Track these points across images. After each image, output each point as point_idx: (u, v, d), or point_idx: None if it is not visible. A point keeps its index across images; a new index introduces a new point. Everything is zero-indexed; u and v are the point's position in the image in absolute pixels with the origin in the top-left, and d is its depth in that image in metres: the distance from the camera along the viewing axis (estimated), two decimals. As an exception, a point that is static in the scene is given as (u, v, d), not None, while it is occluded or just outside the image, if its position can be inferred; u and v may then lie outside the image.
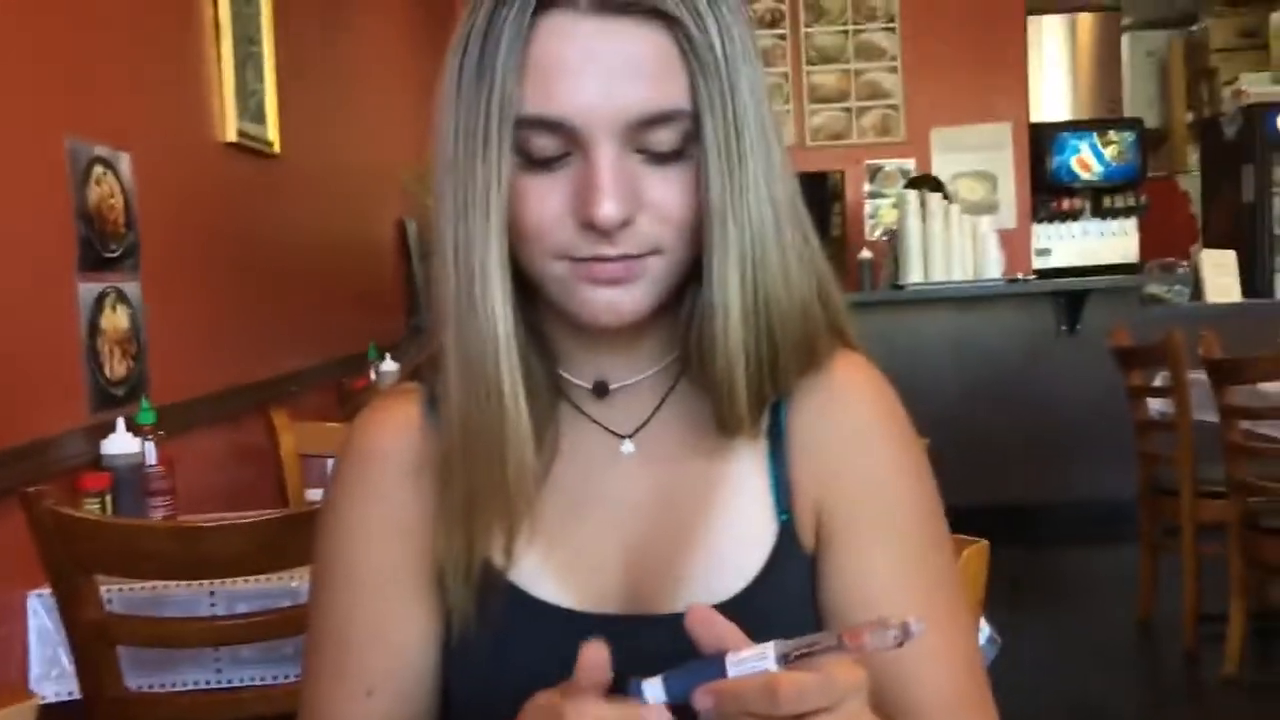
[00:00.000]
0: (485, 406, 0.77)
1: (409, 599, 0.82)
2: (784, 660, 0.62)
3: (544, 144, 0.74)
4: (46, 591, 1.83)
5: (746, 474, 0.83)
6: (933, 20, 6.31)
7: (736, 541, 0.81)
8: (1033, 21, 6.80)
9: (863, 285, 5.46)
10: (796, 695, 0.60)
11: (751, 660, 0.62)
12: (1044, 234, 6.65)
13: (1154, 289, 5.63)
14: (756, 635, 0.65)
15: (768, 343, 0.78)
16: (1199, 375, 3.45)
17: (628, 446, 0.84)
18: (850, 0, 6.36)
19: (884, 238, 5.57)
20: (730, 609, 0.77)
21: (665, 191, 0.75)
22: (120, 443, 2.16)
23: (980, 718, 0.81)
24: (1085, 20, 7.29)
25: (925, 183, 5.62)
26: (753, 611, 0.78)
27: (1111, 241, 6.67)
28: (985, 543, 1.08)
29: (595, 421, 0.84)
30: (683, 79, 0.74)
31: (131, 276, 2.41)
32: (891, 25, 6.36)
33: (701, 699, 0.62)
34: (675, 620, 0.68)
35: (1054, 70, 7.16)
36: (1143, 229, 6.75)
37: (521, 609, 0.80)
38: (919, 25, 6.32)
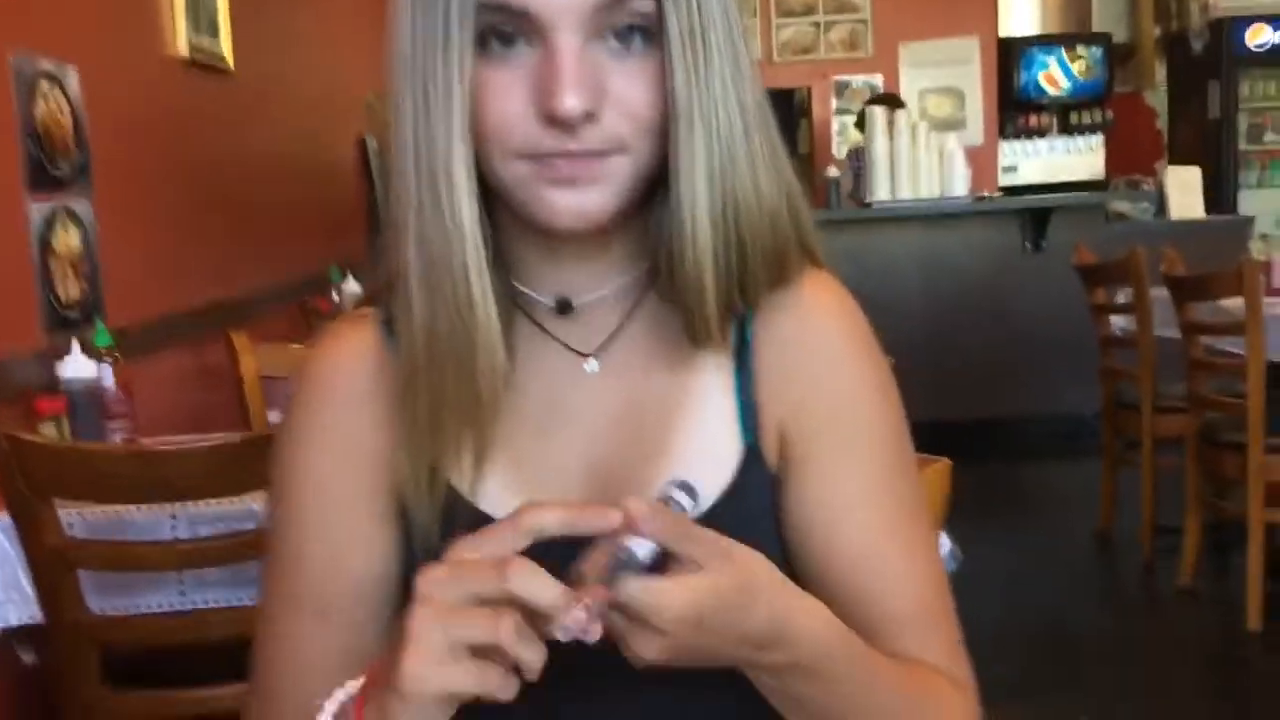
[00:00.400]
0: (453, 314, 0.75)
1: (365, 525, 0.81)
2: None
3: (504, 30, 0.72)
4: (6, 517, 1.82)
5: (712, 393, 0.82)
6: (901, -69, 6.22)
7: (701, 462, 0.80)
8: (1002, -67, 6.72)
9: (830, 203, 5.43)
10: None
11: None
12: (1011, 151, 6.64)
13: (1119, 206, 5.65)
14: None
15: (737, 250, 0.77)
16: (1161, 292, 3.47)
17: (591, 365, 0.82)
18: (818, -89, 6.26)
19: (849, 157, 5.53)
20: None
21: (629, 84, 0.73)
22: (76, 366, 2.13)
23: (944, 633, 0.82)
24: (1055, -68, 7.21)
25: (886, 101, 5.58)
26: (716, 531, 0.78)
27: (1078, 158, 6.67)
28: (947, 461, 1.08)
29: (557, 339, 0.82)
30: None
31: (83, 196, 2.36)
32: (860, -63, 6.27)
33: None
34: None
35: (1023, -17, 7.10)
36: (1109, 145, 6.75)
37: (473, 523, 0.77)
38: (888, -63, 6.24)
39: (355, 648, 0.81)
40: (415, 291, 0.76)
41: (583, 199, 0.74)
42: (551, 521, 0.64)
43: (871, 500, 0.81)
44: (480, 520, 0.78)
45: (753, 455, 0.81)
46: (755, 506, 0.80)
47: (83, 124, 2.36)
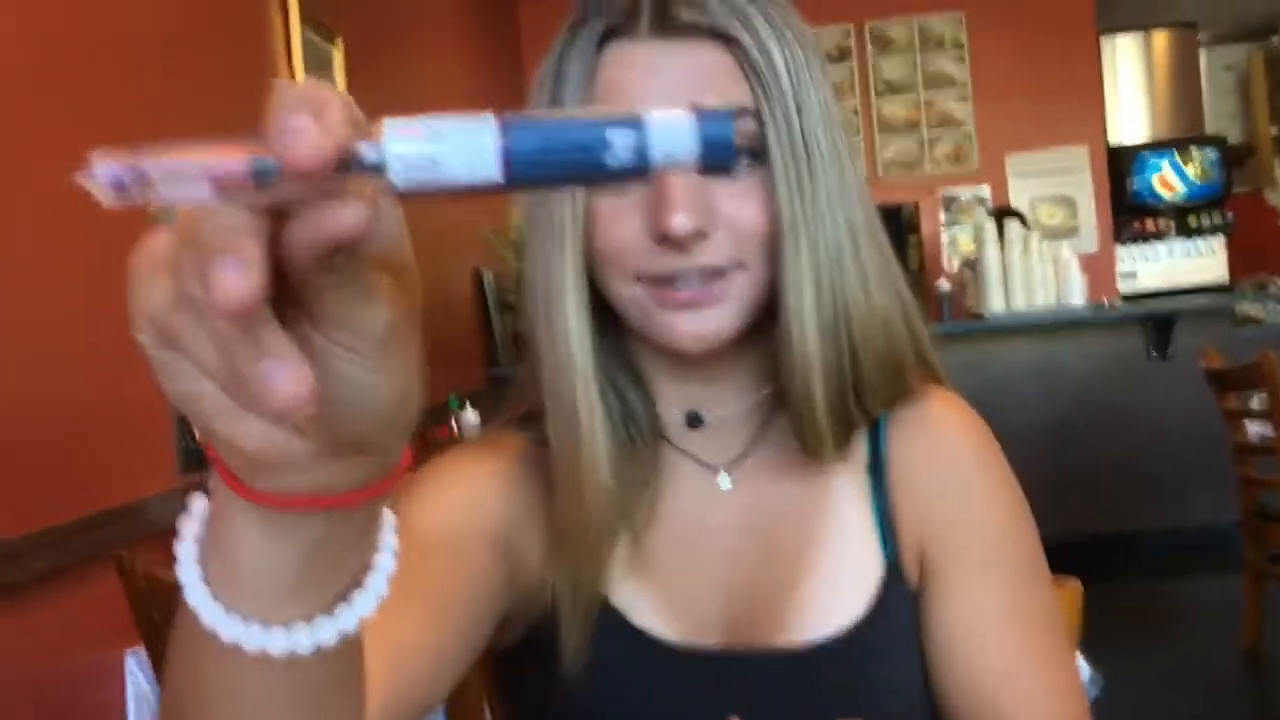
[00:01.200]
0: (566, 432, 0.78)
1: (482, 557, 0.79)
2: None
3: None
4: (143, 652, 1.87)
5: (849, 507, 0.82)
6: (1002, 45, 6.26)
7: (842, 578, 0.80)
8: (1106, 41, 6.71)
9: (943, 316, 5.38)
10: None
11: None
12: (1128, 256, 6.52)
13: (1246, 308, 5.48)
14: (866, 672, 0.64)
15: (850, 358, 0.78)
16: (1297, 396, 3.34)
17: (724, 480, 0.84)
18: (917, 30, 6.34)
19: (964, 267, 5.50)
20: (839, 646, 0.77)
21: (738, 204, 0.76)
22: (210, 503, 2.19)
23: None
24: (1160, 37, 7.17)
25: (1006, 214, 5.55)
26: (862, 649, 0.78)
27: (1199, 261, 6.52)
28: (1078, 583, 1.05)
29: (689, 454, 0.84)
30: (746, 90, 0.76)
31: (217, 339, 2.47)
32: (960, 52, 6.32)
33: None
34: (777, 657, 0.67)
35: (1130, 90, 7.05)
36: (1231, 247, 6.58)
37: (624, 642, 0.80)
38: (988, 51, 6.28)
39: (450, 653, 0.74)
40: (546, 410, 0.79)
41: (701, 322, 0.77)
42: None
43: (1010, 621, 0.80)
44: (619, 629, 0.80)
45: (894, 571, 0.81)
46: (898, 624, 0.80)
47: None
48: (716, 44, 0.76)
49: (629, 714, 0.78)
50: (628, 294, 0.78)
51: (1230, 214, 6.60)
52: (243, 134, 0.31)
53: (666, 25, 0.75)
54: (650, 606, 0.81)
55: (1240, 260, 6.58)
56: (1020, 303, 5.13)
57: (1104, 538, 4.90)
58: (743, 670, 0.65)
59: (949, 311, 5.39)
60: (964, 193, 6.33)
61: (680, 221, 0.73)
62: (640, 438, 0.82)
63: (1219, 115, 7.38)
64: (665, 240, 0.74)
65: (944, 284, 5.50)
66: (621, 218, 0.76)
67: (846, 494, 0.82)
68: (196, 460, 2.32)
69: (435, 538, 0.78)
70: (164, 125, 2.36)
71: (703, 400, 0.84)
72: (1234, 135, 7.21)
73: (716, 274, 0.76)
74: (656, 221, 0.74)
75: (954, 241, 6.29)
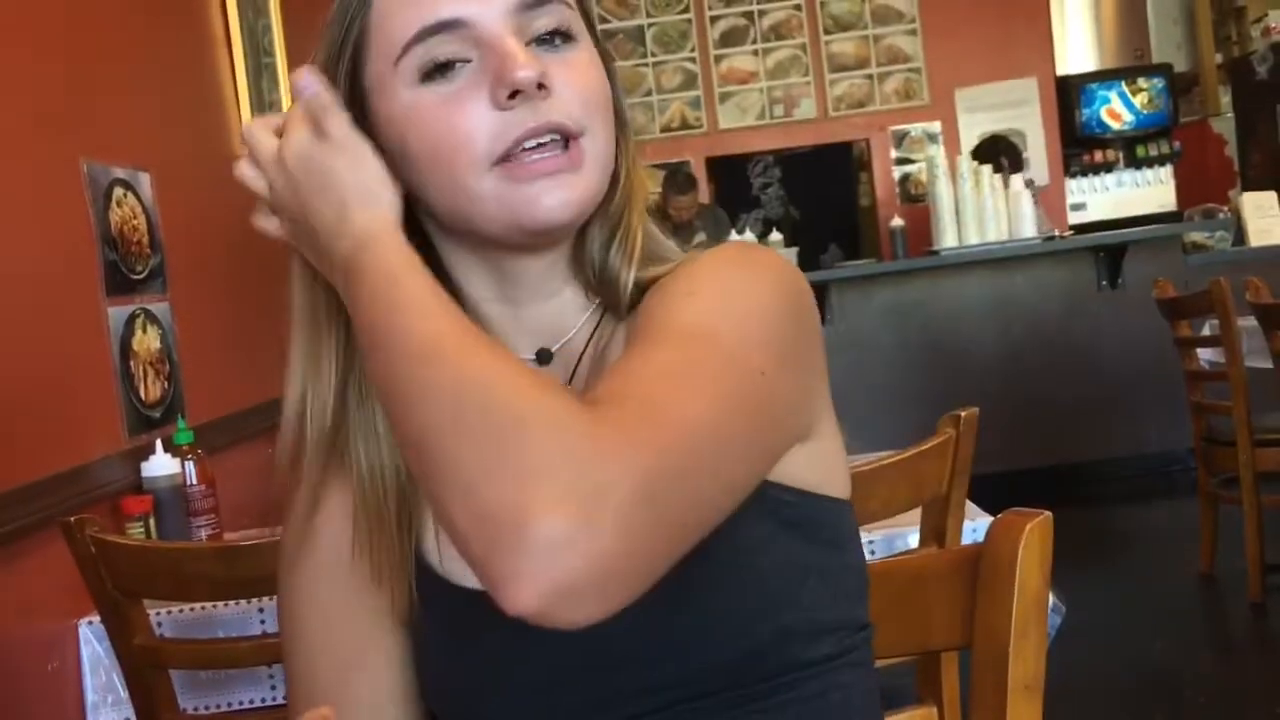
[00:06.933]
0: None
1: (369, 636, 0.82)
2: None
3: (447, 50, 0.74)
4: (97, 619, 1.83)
5: None
6: (950, -21, 6.21)
7: None
8: (1052, -28, 6.67)
9: (896, 253, 5.38)
10: None
11: None
12: (1078, 188, 6.54)
13: (1195, 236, 5.52)
14: None
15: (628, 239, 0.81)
16: (1248, 321, 3.37)
17: None
18: (864, -35, 6.28)
19: (916, 203, 5.48)
20: None
21: (570, 71, 0.76)
22: (160, 464, 2.15)
23: (616, 411, 0.63)
24: (1106, -33, 7.15)
25: (999, 145, 5.51)
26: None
27: (1148, 191, 6.55)
28: (1048, 515, 1.03)
29: None
30: None
31: (160, 296, 2.40)
32: (908, -13, 6.27)
33: None
34: None
35: (1077, 20, 7.04)
36: (1179, 176, 6.62)
37: (442, 594, 0.79)
38: (936, -15, 6.23)
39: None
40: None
41: (567, 188, 0.75)
42: None
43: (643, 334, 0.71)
44: (447, 590, 0.79)
45: None
46: None
47: (156, 226, 2.41)
48: None
49: (457, 668, 0.78)
50: (484, 187, 0.74)
51: (1178, 143, 6.63)
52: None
53: None
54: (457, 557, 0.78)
55: (1188, 189, 6.63)
56: (973, 237, 5.13)
57: (1062, 467, 4.96)
58: None
59: (903, 248, 5.38)
60: (914, 128, 6.31)
61: (525, 73, 0.72)
62: None
63: (1165, 44, 7.39)
64: (514, 95, 0.73)
65: (897, 220, 5.49)
66: (458, 103, 0.74)
67: None
68: (144, 422, 2.26)
69: (327, 637, 0.83)
70: (94, 79, 2.28)
71: (542, 327, 0.82)
72: (1180, 64, 7.22)
73: (572, 138, 0.75)
74: (501, 79, 0.73)
75: (906, 178, 6.28)
